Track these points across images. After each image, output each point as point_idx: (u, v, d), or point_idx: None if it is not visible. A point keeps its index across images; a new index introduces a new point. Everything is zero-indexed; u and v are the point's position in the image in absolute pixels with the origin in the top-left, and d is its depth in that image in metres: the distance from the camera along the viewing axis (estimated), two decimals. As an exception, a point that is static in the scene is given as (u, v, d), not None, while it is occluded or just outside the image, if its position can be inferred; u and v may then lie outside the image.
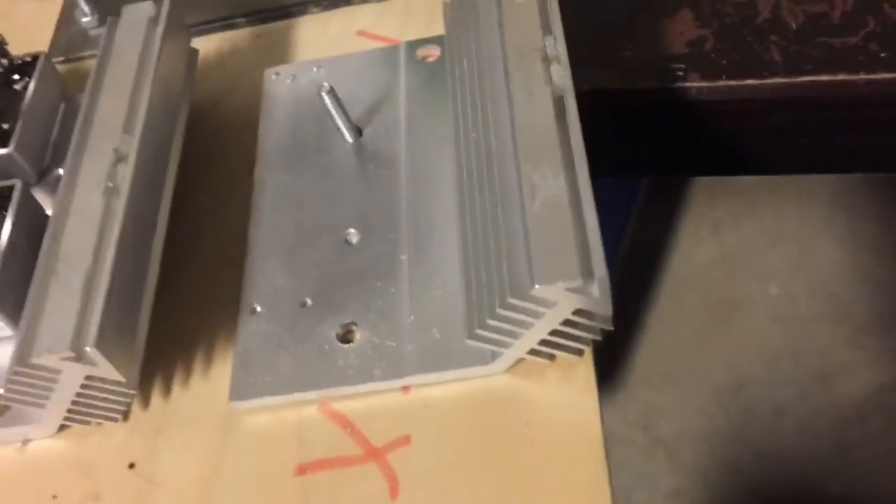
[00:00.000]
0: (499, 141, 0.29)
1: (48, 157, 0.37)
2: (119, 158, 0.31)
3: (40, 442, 0.30)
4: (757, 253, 1.06)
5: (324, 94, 0.34)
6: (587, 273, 0.25)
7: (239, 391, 0.30)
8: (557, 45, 0.31)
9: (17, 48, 0.41)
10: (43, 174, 0.37)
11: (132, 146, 0.31)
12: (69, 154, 0.32)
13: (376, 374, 0.29)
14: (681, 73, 0.37)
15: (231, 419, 0.30)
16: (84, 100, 0.35)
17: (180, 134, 0.35)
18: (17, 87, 0.37)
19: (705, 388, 0.97)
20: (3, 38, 0.37)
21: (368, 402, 0.29)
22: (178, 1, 0.41)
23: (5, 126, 0.35)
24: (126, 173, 0.31)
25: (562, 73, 0.30)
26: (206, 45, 0.41)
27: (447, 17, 0.36)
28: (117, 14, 0.41)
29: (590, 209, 0.27)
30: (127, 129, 0.32)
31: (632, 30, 0.39)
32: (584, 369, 0.28)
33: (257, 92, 0.39)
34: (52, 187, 0.36)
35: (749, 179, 1.03)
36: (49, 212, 0.35)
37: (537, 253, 0.26)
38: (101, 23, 0.43)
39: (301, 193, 0.35)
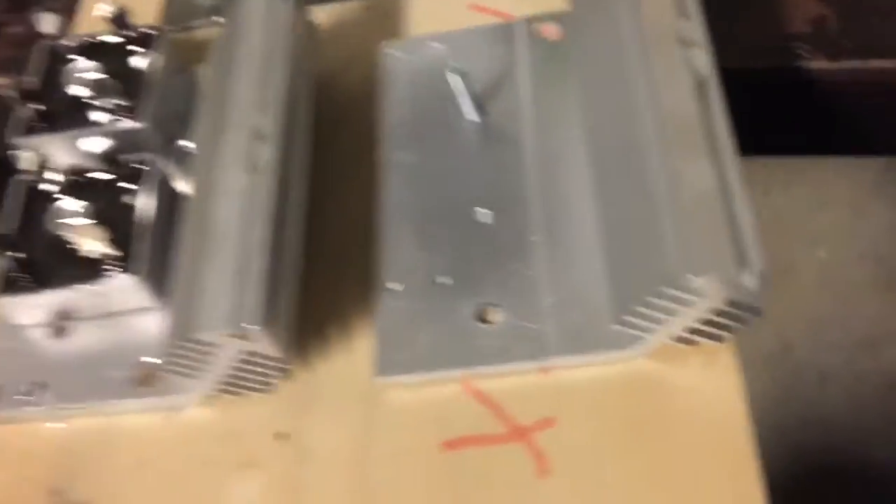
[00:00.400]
0: (639, 127, 0.30)
1: (172, 130, 0.38)
2: (257, 136, 0.32)
3: (188, 410, 0.32)
4: (806, 216, 1.05)
5: (451, 73, 0.34)
6: (741, 263, 0.26)
7: (383, 367, 0.31)
8: (695, 29, 0.31)
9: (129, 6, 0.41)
10: (167, 146, 0.37)
11: (270, 124, 0.32)
12: (203, 131, 0.33)
13: (517, 355, 0.30)
14: (802, 53, 0.37)
15: (374, 394, 0.31)
16: (212, 75, 0.36)
17: (309, 110, 0.36)
18: (138, 59, 0.38)
19: (752, 352, 0.98)
20: (125, 9, 0.38)
21: (509, 381, 0.30)
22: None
23: (129, 100, 0.36)
24: (267, 152, 0.31)
25: (702, 58, 0.30)
26: (318, 17, 0.42)
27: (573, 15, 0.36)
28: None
29: (740, 198, 0.27)
30: (262, 107, 0.33)
31: (751, 6, 0.39)
32: (726, 355, 0.29)
33: (372, 66, 0.39)
34: (178, 159, 0.37)
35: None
36: (176, 185, 0.36)
37: (689, 242, 0.26)
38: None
39: (428, 171, 0.35)
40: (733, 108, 0.39)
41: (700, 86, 0.29)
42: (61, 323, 0.34)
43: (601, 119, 0.32)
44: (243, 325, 0.27)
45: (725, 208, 0.27)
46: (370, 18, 0.42)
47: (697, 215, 0.27)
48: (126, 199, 0.34)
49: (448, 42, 0.39)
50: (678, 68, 0.30)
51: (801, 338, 0.98)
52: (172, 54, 0.39)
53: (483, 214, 0.33)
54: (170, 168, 0.36)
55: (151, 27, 0.38)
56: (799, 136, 0.41)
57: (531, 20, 0.38)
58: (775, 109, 0.39)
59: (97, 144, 0.35)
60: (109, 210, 0.34)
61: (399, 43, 0.39)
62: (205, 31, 0.43)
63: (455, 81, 0.35)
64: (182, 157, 0.37)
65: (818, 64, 0.37)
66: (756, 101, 0.39)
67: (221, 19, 0.43)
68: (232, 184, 0.31)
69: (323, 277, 0.34)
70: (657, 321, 0.28)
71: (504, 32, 0.38)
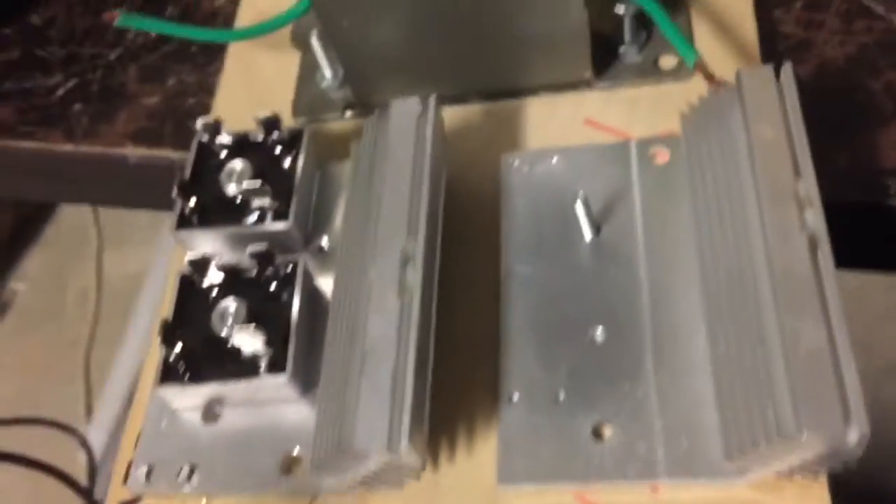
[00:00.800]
0: (754, 279, 0.33)
1: (310, 226, 0.41)
2: (406, 259, 0.35)
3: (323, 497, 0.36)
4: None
5: (579, 202, 0.38)
6: (847, 422, 0.29)
7: (506, 475, 0.34)
8: (809, 188, 0.34)
9: (258, 104, 0.45)
10: (306, 242, 0.41)
11: (418, 248, 0.36)
12: (351, 245, 0.37)
13: (629, 473, 0.33)
14: (892, 189, 0.40)
15: (493, 499, 0.34)
16: (357, 183, 0.39)
17: (441, 222, 0.39)
18: (283, 158, 0.42)
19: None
20: (278, 116, 0.41)
21: (620, 496, 0.33)
22: (415, 79, 0.45)
23: (276, 199, 0.40)
24: (415, 275, 0.35)
25: (816, 220, 0.33)
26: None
27: (685, 126, 0.39)
28: (361, 81, 0.45)
29: (847, 358, 0.30)
30: (411, 229, 0.36)
31: (846, 136, 0.42)
32: (819, 488, 0.32)
33: (492, 172, 0.42)
34: (315, 255, 0.41)
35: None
36: (318, 280, 0.39)
37: (802, 399, 0.29)
38: (342, 85, 0.47)
39: (546, 286, 0.38)
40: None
41: (813, 245, 0.33)
42: (213, 409, 0.37)
43: (714, 256, 0.35)
44: (398, 445, 0.31)
45: (835, 367, 0.30)
46: (491, 124, 0.45)
47: (810, 372, 0.30)
48: (275, 298, 0.38)
49: (566, 158, 0.42)
50: (793, 227, 0.33)
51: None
52: (314, 154, 0.42)
53: (598, 333, 0.37)
54: (313, 268, 0.39)
55: (297, 129, 0.42)
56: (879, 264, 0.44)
57: (644, 142, 0.41)
58: (860, 241, 0.42)
59: (251, 243, 0.39)
60: (260, 309, 0.38)
61: (519, 154, 0.43)
62: (335, 125, 0.47)
63: (580, 210, 0.38)
64: (321, 256, 0.41)
65: (903, 202, 0.40)
66: (839, 234, 0.42)
67: (350, 113, 0.47)
68: (384, 305, 0.34)
69: (454, 384, 0.37)
70: (765, 462, 0.31)
71: (618, 152, 0.41)
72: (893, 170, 0.41)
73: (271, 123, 0.42)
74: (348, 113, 0.47)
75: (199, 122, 0.41)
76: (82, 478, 1.13)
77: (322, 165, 0.43)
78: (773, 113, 0.36)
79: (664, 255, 0.38)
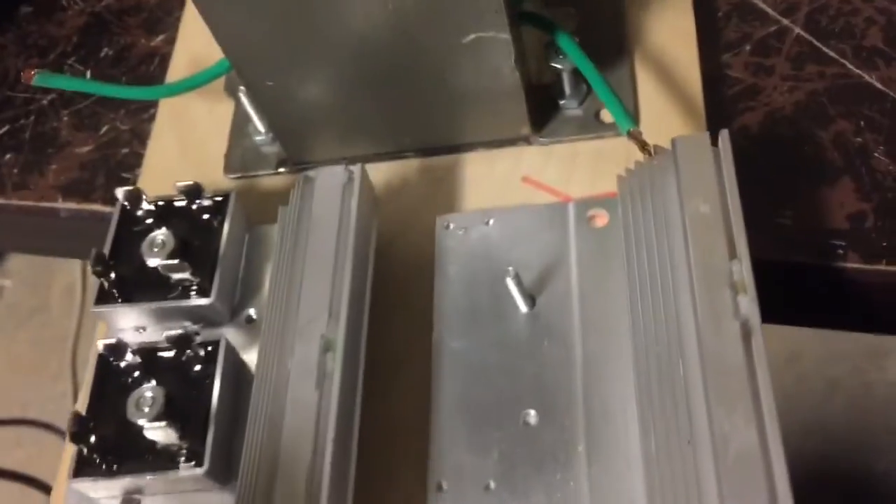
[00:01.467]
0: (686, 370, 0.31)
1: (237, 295, 0.40)
2: (327, 346, 0.34)
3: None
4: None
5: (509, 279, 0.36)
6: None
7: (432, 573, 0.33)
8: (744, 271, 0.32)
9: (191, 155, 0.43)
10: (233, 314, 0.39)
11: (339, 332, 0.34)
12: (271, 326, 0.35)
13: (559, 571, 0.32)
14: (840, 252, 0.39)
15: None
16: (280, 259, 0.38)
17: (368, 299, 0.38)
18: (209, 226, 0.40)
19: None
20: (199, 185, 0.40)
21: None
22: (348, 135, 0.43)
23: (198, 272, 0.38)
24: (334, 363, 0.33)
25: (750, 307, 0.32)
26: (375, 174, 0.43)
27: (622, 191, 0.38)
28: (292, 139, 0.43)
29: (778, 460, 0.29)
30: (332, 311, 0.35)
31: (793, 192, 0.41)
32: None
33: (428, 232, 0.41)
34: (242, 326, 0.39)
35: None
36: (244, 355, 0.38)
37: (730, 498, 0.28)
38: (275, 140, 0.45)
39: (479, 363, 0.37)
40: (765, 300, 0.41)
41: (746, 334, 0.31)
42: (132, 499, 0.36)
43: (647, 340, 0.34)
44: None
45: (766, 469, 0.29)
46: (428, 181, 0.43)
47: (740, 476, 0.28)
48: (195, 381, 0.36)
49: (502, 221, 0.40)
50: (726, 314, 0.31)
51: (809, 347, 1.00)
52: (241, 219, 0.40)
53: (531, 416, 0.35)
54: (239, 341, 0.38)
55: (223, 193, 0.40)
56: (827, 322, 0.42)
57: (582, 205, 0.40)
58: (807, 305, 0.41)
59: (174, 319, 0.37)
60: (179, 393, 0.36)
61: (454, 217, 0.41)
62: (268, 181, 0.45)
63: (512, 286, 0.36)
64: (249, 327, 0.39)
65: (853, 264, 0.38)
66: (788, 295, 0.41)
67: (284, 168, 0.45)
68: (302, 398, 0.33)
69: (381, 467, 0.36)
70: (694, 565, 0.30)
71: (555, 215, 0.40)
72: (840, 230, 0.39)
73: (193, 192, 0.40)
74: (282, 168, 0.45)
75: (120, 192, 0.40)
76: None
77: (252, 227, 0.42)
78: (709, 186, 0.34)
79: (600, 329, 0.37)
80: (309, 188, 0.38)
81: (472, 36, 0.37)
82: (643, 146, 0.36)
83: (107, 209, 0.49)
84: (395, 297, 0.40)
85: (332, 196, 0.37)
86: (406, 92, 0.41)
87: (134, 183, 0.47)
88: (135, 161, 0.49)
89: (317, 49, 0.38)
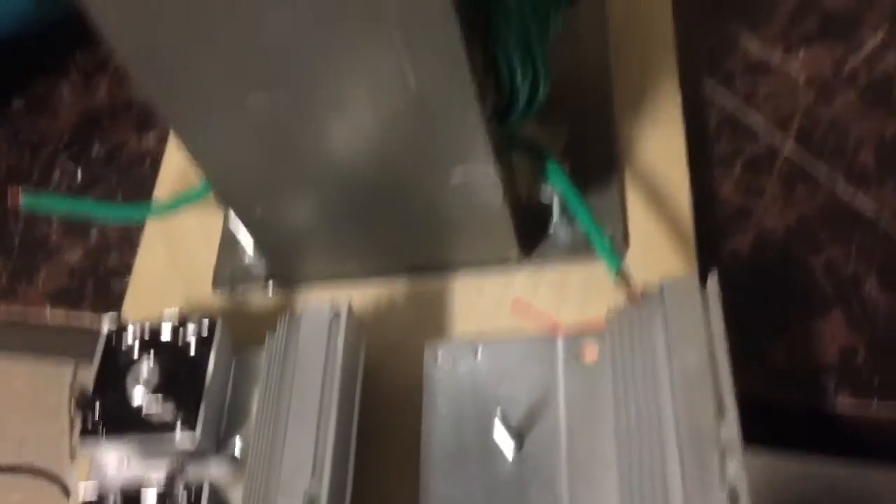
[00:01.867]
0: (673, 536, 0.31)
1: (224, 424, 0.39)
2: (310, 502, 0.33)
3: None
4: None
5: (497, 420, 0.36)
6: None
7: None
8: (732, 432, 0.32)
9: (180, 266, 0.43)
10: (219, 447, 0.39)
11: (322, 490, 0.34)
12: (254, 481, 0.35)
13: None
14: (830, 388, 0.38)
15: None
16: (265, 413, 0.37)
17: (354, 439, 0.37)
18: (195, 355, 0.40)
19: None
20: (185, 315, 0.39)
21: None
22: (336, 255, 0.43)
23: (182, 406, 0.38)
24: (318, 520, 0.33)
25: (737, 471, 0.31)
26: (363, 294, 0.43)
27: (610, 330, 0.37)
28: (280, 259, 0.43)
29: None
30: (315, 467, 0.34)
31: (784, 325, 0.40)
32: None
33: (416, 356, 0.40)
34: (228, 463, 0.39)
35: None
36: (230, 492, 0.37)
37: None
38: (261, 257, 0.45)
39: (465, 506, 0.37)
40: (752, 435, 0.41)
41: (734, 499, 0.31)
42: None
43: (633, 490, 0.33)
44: None
45: None
46: (416, 303, 0.43)
47: None
48: (179, 524, 0.36)
49: (490, 352, 0.40)
50: (713, 480, 0.31)
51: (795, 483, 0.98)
52: (228, 348, 0.40)
53: (517, 569, 0.35)
54: (224, 479, 0.38)
55: (210, 321, 0.40)
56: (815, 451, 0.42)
57: (572, 340, 0.39)
58: (795, 441, 0.40)
59: (153, 454, 0.37)
60: (163, 540, 0.36)
61: (442, 345, 0.40)
62: (256, 300, 0.45)
63: (499, 427, 0.36)
64: (235, 463, 0.39)
65: (843, 400, 0.38)
66: (776, 430, 0.40)
67: (272, 286, 0.45)
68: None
69: None
70: None
71: (545, 348, 0.39)
72: (832, 366, 0.39)
73: (180, 322, 0.39)
74: (271, 285, 0.45)
75: (105, 324, 0.40)
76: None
77: (239, 351, 0.41)
78: (697, 335, 0.34)
79: (587, 476, 0.36)
80: (295, 325, 0.38)
81: (460, 170, 0.37)
82: (631, 293, 0.35)
83: (96, 318, 0.48)
84: (382, 424, 0.40)
85: (317, 335, 0.37)
86: (393, 219, 0.40)
87: (122, 293, 0.47)
88: (124, 269, 0.49)
89: (303, 179, 0.38)
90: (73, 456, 1.32)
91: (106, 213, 0.47)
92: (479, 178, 0.37)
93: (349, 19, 0.30)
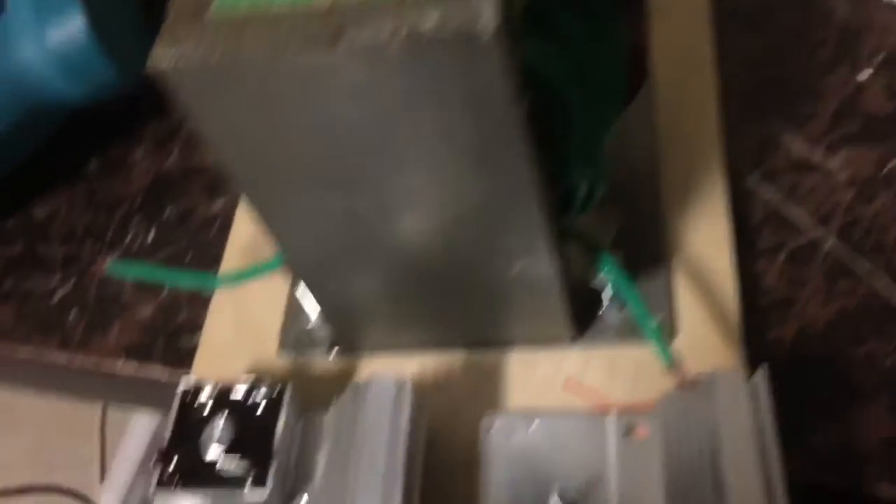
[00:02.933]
0: None
1: (290, 484, 0.42)
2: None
3: None
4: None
5: (555, 494, 0.38)
6: None
7: None
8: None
9: (245, 327, 0.45)
10: (286, 501, 0.41)
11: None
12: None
13: None
14: (872, 475, 0.40)
15: None
16: (332, 482, 0.39)
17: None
18: (265, 416, 0.42)
19: None
20: (258, 379, 0.42)
21: None
22: (397, 328, 0.45)
23: (254, 463, 0.40)
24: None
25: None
26: (421, 367, 0.45)
27: (661, 413, 0.40)
28: (345, 330, 0.46)
29: None
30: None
31: (825, 412, 0.42)
32: None
33: (470, 427, 0.43)
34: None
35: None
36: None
37: None
38: (325, 323, 0.48)
39: (519, 577, 0.38)
40: None
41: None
42: None
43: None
44: None
45: None
46: (470, 376, 0.45)
47: None
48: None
49: (544, 427, 0.42)
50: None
51: None
52: (296, 410, 0.43)
53: None
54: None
55: (280, 385, 0.42)
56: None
57: (622, 418, 0.41)
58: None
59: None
60: None
61: (498, 418, 0.42)
62: (321, 365, 0.47)
63: (554, 498, 0.38)
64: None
65: (885, 487, 0.40)
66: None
67: (336, 352, 0.47)
68: None
69: None
70: None
71: (596, 426, 0.41)
72: (874, 453, 0.41)
73: (252, 385, 0.42)
74: (334, 351, 0.47)
75: (181, 385, 0.42)
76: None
77: (305, 412, 0.44)
78: (744, 429, 0.36)
79: (637, 552, 0.38)
80: (362, 394, 0.40)
81: (520, 263, 0.39)
82: (682, 380, 0.38)
83: (165, 373, 0.51)
84: (440, 490, 0.42)
85: (383, 405, 0.40)
86: (455, 301, 0.43)
87: (189, 348, 0.50)
88: (193, 327, 0.52)
89: (375, 264, 0.41)
90: (103, 473, 1.34)
91: (182, 282, 0.50)
92: (537, 269, 0.40)
93: (429, 142, 0.33)
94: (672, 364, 0.38)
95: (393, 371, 0.41)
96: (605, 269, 0.41)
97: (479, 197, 0.35)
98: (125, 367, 0.52)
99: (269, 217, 0.39)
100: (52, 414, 1.37)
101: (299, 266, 0.42)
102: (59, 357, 0.53)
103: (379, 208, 0.37)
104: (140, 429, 1.33)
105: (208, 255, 0.55)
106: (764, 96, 0.53)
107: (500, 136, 0.32)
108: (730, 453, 0.35)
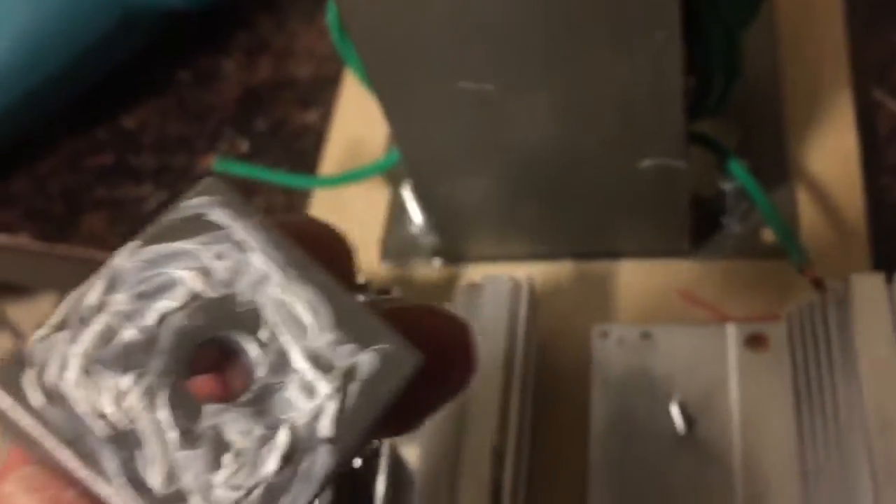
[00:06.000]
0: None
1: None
2: (498, 456, 0.35)
3: None
4: None
5: (675, 403, 0.37)
6: None
7: None
8: (925, 427, 0.32)
9: (348, 233, 0.44)
10: None
11: (509, 445, 0.35)
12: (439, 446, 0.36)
13: None
14: None
15: None
16: None
17: (529, 412, 0.38)
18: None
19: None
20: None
21: None
22: (506, 236, 0.44)
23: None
24: (506, 475, 0.34)
25: (930, 463, 0.31)
26: (528, 276, 0.44)
27: (790, 327, 0.38)
28: (451, 235, 0.45)
29: None
30: (501, 427, 0.35)
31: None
32: None
33: (580, 339, 0.41)
34: None
35: None
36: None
37: None
38: (429, 231, 0.46)
39: (634, 486, 0.37)
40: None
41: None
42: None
43: (817, 481, 0.34)
44: None
45: None
46: (581, 285, 0.44)
47: None
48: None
49: (660, 336, 0.40)
50: (904, 471, 0.31)
51: None
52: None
53: (688, 546, 0.36)
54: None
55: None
56: None
57: (742, 328, 0.40)
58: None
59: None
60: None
61: (611, 327, 0.41)
62: (422, 270, 0.46)
63: (674, 408, 0.37)
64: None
65: None
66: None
67: (439, 260, 0.46)
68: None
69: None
70: None
71: (715, 335, 0.40)
72: None
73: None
74: (436, 260, 0.46)
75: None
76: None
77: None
78: (885, 330, 0.34)
79: (762, 464, 0.37)
80: (476, 294, 0.39)
81: (650, 160, 0.37)
82: (818, 282, 0.36)
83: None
84: (550, 405, 0.40)
85: (499, 304, 0.38)
86: (570, 203, 0.41)
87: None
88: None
89: (495, 160, 0.39)
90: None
91: (286, 182, 0.49)
92: (667, 169, 0.38)
93: (574, 20, 0.31)
94: (804, 261, 0.36)
95: (503, 277, 0.40)
96: (734, 171, 0.39)
97: (619, 85, 0.34)
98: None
99: (397, 110, 0.38)
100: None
101: (417, 165, 0.41)
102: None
103: (509, 100, 0.35)
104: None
105: (302, 165, 0.54)
106: (891, 5, 0.50)
107: (650, 16, 0.31)
108: (868, 360, 0.34)
